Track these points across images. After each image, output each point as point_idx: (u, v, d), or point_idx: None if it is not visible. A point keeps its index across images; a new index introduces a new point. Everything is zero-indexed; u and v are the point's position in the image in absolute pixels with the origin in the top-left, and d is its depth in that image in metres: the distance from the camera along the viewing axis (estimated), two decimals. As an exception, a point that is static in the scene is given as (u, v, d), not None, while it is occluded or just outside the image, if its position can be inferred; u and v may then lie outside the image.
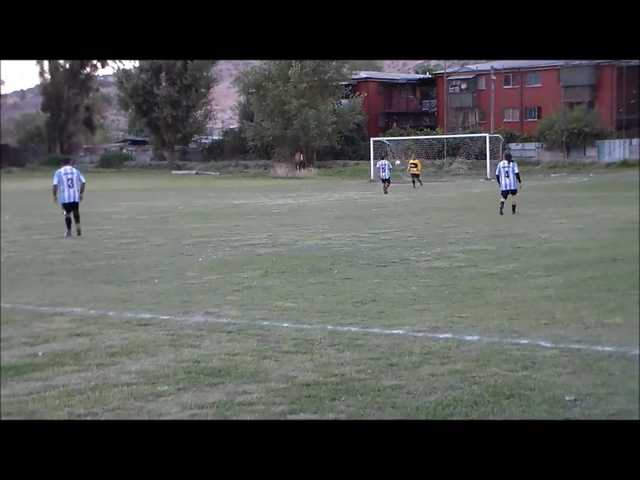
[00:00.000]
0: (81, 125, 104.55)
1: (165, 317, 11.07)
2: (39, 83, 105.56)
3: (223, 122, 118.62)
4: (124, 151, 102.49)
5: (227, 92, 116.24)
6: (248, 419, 6.79)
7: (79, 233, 22.78)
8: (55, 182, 23.49)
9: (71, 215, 23.01)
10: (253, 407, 7.14)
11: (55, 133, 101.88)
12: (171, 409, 7.15)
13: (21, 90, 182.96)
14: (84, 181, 23.70)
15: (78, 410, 7.15)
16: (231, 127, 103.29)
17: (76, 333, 10.17)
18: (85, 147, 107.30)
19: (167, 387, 7.78)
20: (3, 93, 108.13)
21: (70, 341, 9.80)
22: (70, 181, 23.35)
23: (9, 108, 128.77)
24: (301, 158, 77.03)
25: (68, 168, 23.75)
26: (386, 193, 43.74)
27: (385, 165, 46.57)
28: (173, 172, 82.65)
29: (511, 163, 28.01)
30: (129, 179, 71.83)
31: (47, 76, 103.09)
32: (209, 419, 6.84)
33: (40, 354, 9.15)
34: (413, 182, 50.37)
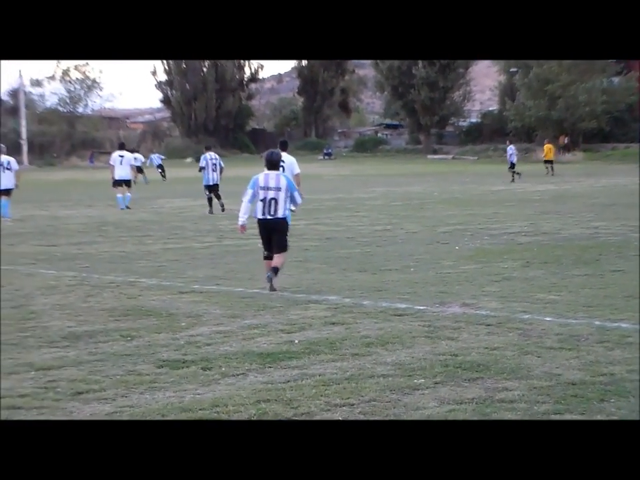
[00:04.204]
0: (336, 108, 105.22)
1: (421, 308, 10.84)
2: (295, 65, 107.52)
3: (481, 103, 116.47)
4: (379, 135, 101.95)
5: (487, 71, 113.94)
6: (509, 417, 6.49)
7: (222, 209, 26.06)
8: (202, 164, 27.35)
9: (212, 195, 26.60)
10: (514, 404, 6.82)
11: (310, 117, 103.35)
12: (428, 403, 6.93)
13: (278, 74, 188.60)
14: (223, 165, 27.89)
15: (334, 400, 7.05)
16: (490, 108, 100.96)
17: (331, 322, 10.13)
18: (339, 130, 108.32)
19: (423, 380, 7.57)
20: (260, 77, 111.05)
21: (325, 329, 9.78)
22: (214, 165, 27.22)
23: (266, 92, 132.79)
24: (566, 141, 73.63)
25: (213, 154, 27.74)
26: (513, 180, 41.88)
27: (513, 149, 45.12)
28: (429, 156, 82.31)
29: None
30: (383, 164, 72.38)
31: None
32: (467, 415, 6.57)
33: (296, 341, 9.17)
34: (547, 168, 47.81)
